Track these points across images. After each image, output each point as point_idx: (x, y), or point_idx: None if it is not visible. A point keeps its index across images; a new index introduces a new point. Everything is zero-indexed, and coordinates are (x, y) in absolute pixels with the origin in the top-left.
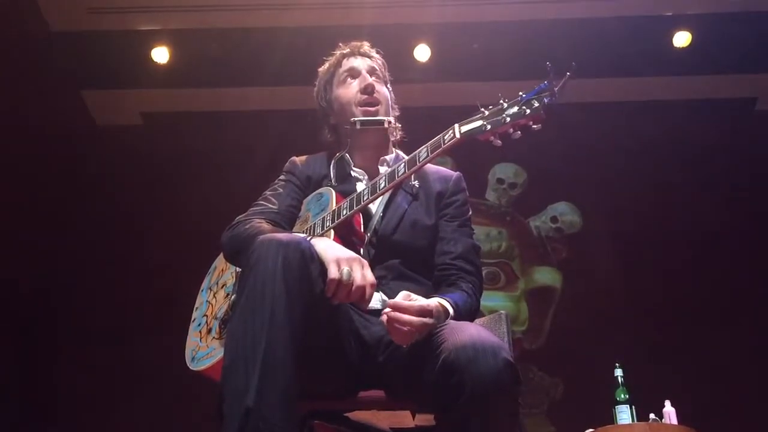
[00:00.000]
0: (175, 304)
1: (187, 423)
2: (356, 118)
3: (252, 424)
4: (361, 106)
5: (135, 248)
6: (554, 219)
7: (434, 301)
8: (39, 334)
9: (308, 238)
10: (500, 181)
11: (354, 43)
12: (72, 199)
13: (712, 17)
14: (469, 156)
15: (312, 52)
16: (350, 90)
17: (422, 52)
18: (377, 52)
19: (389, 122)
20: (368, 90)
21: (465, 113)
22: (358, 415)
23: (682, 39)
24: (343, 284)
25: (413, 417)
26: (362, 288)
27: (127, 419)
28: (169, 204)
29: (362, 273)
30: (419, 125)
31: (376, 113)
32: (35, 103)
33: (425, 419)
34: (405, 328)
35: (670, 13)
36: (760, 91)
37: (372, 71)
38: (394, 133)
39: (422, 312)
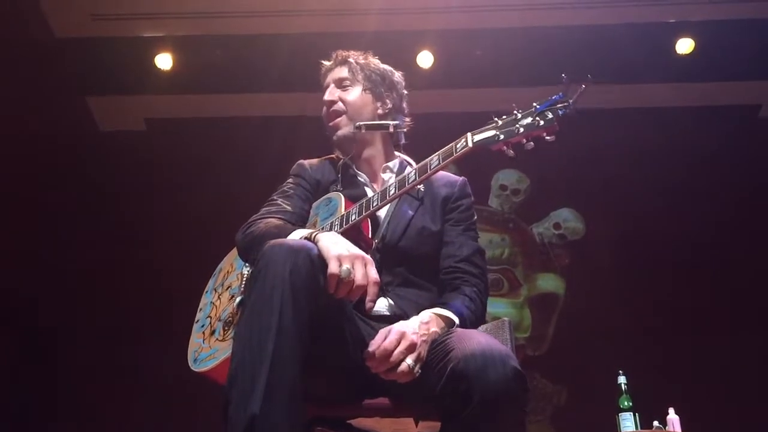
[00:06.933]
0: (178, 308)
1: (187, 425)
2: (360, 123)
3: None
4: (326, 122)
5: (137, 253)
6: (557, 225)
7: (427, 313)
8: (42, 339)
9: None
10: (503, 187)
11: (336, 53)
12: (75, 204)
13: (716, 24)
14: (472, 162)
15: (315, 59)
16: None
17: (425, 59)
18: (363, 53)
19: (394, 126)
20: (326, 107)
21: (469, 120)
22: (361, 422)
23: (685, 46)
24: (343, 282)
25: (416, 424)
26: (363, 286)
27: (127, 422)
28: (171, 209)
29: (364, 271)
30: (422, 132)
31: (337, 126)
32: (39, 108)
33: (428, 426)
34: (399, 371)
35: (673, 20)
36: (765, 98)
37: (341, 81)
38: (399, 137)
39: (399, 339)
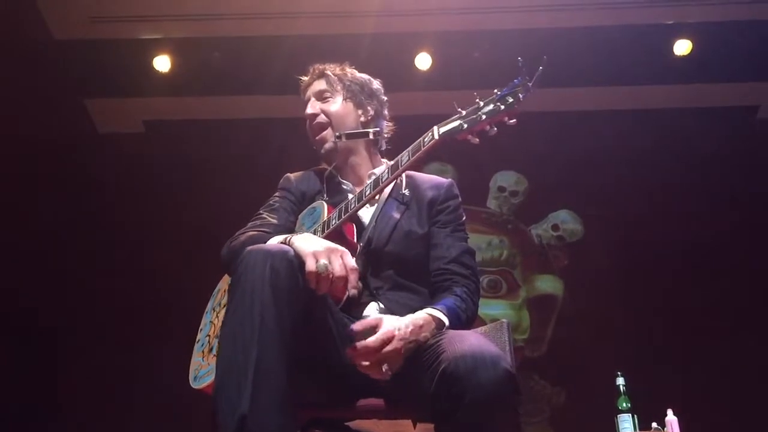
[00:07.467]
0: (176, 308)
1: (187, 425)
2: (341, 132)
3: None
4: (311, 136)
5: (136, 255)
6: (555, 227)
7: (422, 314)
8: (39, 342)
9: (289, 238)
10: (501, 189)
11: (312, 67)
12: (73, 207)
13: (713, 25)
14: (471, 164)
15: (314, 61)
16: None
17: (423, 61)
18: (339, 65)
19: (374, 133)
20: (309, 120)
21: None
22: (359, 424)
23: (683, 47)
24: (322, 276)
25: (414, 426)
26: (343, 277)
27: (127, 423)
28: (170, 211)
29: (341, 262)
30: (420, 134)
31: (324, 139)
32: (37, 110)
33: (427, 428)
34: (374, 364)
35: (671, 22)
36: (763, 99)
37: (321, 94)
38: (381, 144)
39: (385, 342)
